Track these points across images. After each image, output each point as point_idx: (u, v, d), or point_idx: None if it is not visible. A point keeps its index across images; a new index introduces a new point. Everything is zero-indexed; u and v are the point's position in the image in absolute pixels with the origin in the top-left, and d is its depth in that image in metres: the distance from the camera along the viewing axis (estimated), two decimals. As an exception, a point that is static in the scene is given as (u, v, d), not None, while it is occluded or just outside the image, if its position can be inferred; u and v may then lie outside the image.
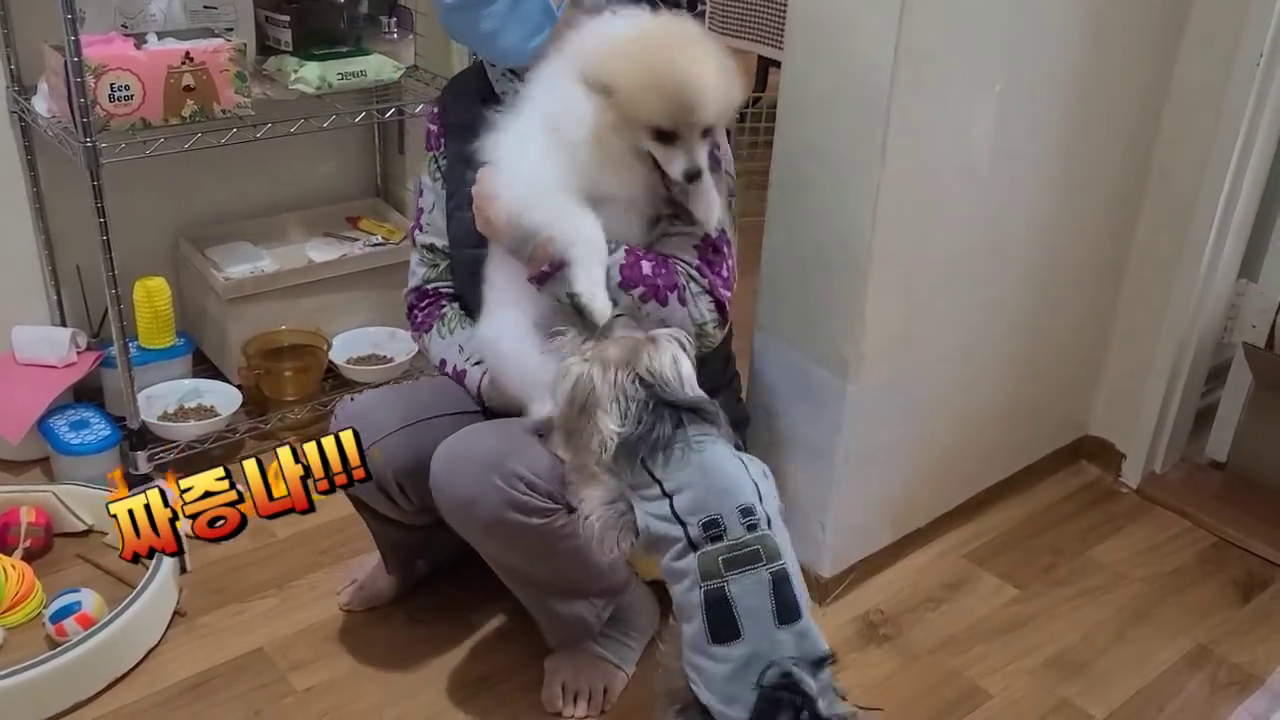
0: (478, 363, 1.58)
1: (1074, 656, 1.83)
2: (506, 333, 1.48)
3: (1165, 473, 2.31)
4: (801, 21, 1.67)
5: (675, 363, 1.34)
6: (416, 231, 1.68)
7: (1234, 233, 2.11)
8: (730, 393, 1.71)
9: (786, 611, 1.27)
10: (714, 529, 1.28)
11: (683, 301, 1.42)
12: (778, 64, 3.53)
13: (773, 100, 1.72)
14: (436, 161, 1.64)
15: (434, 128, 1.65)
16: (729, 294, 1.45)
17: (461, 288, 1.64)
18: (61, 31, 1.77)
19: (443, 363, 1.63)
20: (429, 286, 1.67)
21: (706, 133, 1.37)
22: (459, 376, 1.61)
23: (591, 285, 1.35)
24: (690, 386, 1.35)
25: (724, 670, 1.25)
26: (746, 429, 1.75)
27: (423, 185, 1.66)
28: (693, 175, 1.36)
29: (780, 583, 1.28)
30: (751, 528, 1.29)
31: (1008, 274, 1.95)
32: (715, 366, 1.65)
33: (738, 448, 1.66)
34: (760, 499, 1.32)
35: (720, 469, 1.32)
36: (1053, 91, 1.83)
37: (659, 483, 1.31)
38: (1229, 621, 1.93)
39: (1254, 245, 2.19)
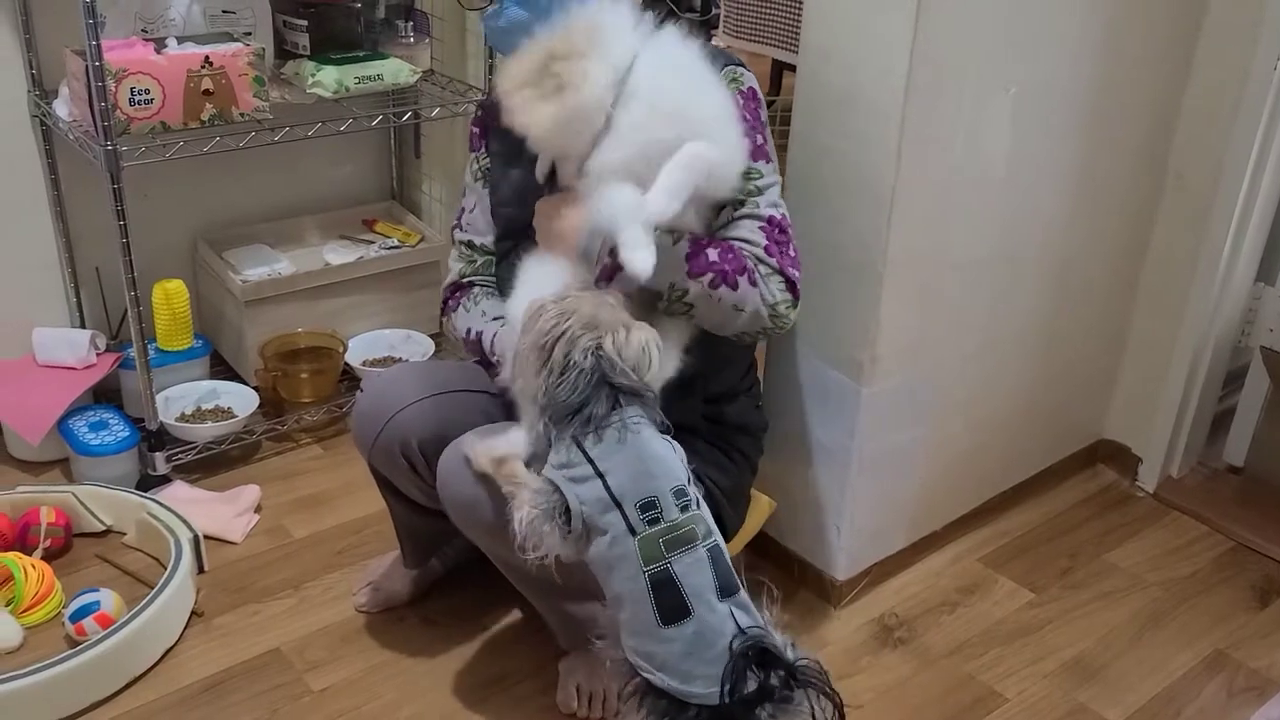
0: (496, 318, 1.59)
1: (1090, 661, 1.83)
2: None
3: (1182, 477, 2.30)
4: (816, 25, 1.67)
5: (645, 353, 1.32)
6: (456, 230, 1.70)
7: (1251, 236, 2.10)
8: (750, 398, 1.71)
9: (727, 585, 1.29)
10: (651, 511, 1.28)
11: (753, 283, 1.41)
12: (792, 68, 3.53)
13: (787, 104, 1.72)
14: (478, 162, 1.66)
15: (477, 129, 1.68)
16: (798, 273, 1.45)
17: (500, 278, 1.65)
18: (83, 36, 1.78)
19: (467, 331, 1.62)
20: (464, 280, 1.68)
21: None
22: (478, 339, 1.60)
23: (628, 244, 1.32)
24: (649, 378, 1.32)
25: (677, 649, 1.26)
26: (765, 434, 1.75)
27: (465, 186, 1.68)
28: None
29: (717, 558, 1.30)
30: (684, 508, 1.30)
31: (1023, 277, 1.95)
32: (737, 371, 1.66)
33: (739, 464, 1.67)
34: (688, 480, 1.33)
35: (652, 451, 1.31)
36: (1068, 94, 1.83)
37: (591, 461, 1.30)
38: (1246, 626, 1.92)
39: (1271, 249, 2.18)
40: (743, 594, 1.30)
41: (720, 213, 1.46)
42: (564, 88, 1.33)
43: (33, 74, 2.11)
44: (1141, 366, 2.25)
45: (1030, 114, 1.76)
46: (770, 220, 1.44)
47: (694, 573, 1.27)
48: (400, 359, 2.45)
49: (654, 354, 1.32)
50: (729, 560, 1.32)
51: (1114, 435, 2.34)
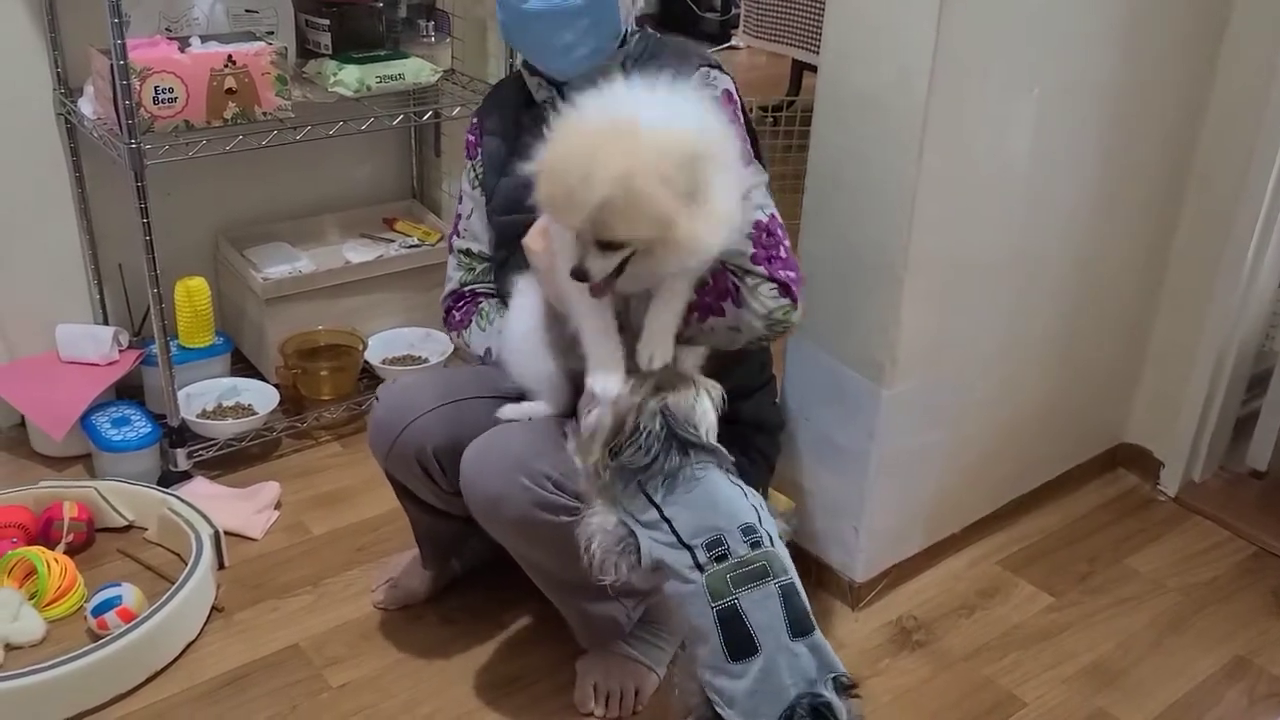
0: None
1: (1110, 666, 1.82)
2: (520, 340, 1.52)
3: (1204, 481, 2.28)
4: (838, 25, 1.66)
5: (703, 409, 1.37)
6: (454, 237, 1.70)
7: (1276, 239, 2.08)
8: (766, 395, 1.72)
9: (799, 623, 1.28)
10: (718, 548, 1.29)
11: (739, 304, 1.41)
12: (812, 68, 3.52)
13: (807, 104, 1.72)
14: (475, 170, 1.66)
15: (472, 138, 1.68)
16: (793, 274, 1.43)
17: (500, 287, 1.66)
18: (107, 35, 1.80)
19: (487, 351, 1.63)
20: (465, 289, 1.68)
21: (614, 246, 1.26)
22: (499, 359, 1.61)
23: (595, 364, 1.38)
24: (709, 436, 1.37)
25: (744, 686, 1.26)
26: (781, 432, 1.75)
27: (462, 192, 1.69)
28: (576, 274, 1.28)
29: (790, 596, 1.29)
30: (755, 545, 1.30)
31: (1044, 280, 1.94)
32: (750, 368, 1.66)
33: (756, 462, 1.67)
34: (759, 519, 1.33)
35: (718, 492, 1.34)
36: (1091, 96, 1.82)
37: (657, 507, 1.33)
38: (1269, 632, 1.90)
39: (1297, 252, 2.16)
40: (816, 634, 1.29)
41: None
42: (700, 204, 1.24)
43: (58, 72, 2.13)
44: (1164, 370, 2.24)
45: (1053, 114, 1.75)
46: (757, 225, 1.41)
47: (762, 609, 1.27)
48: (419, 357, 2.46)
49: (711, 410, 1.37)
50: (804, 600, 1.31)
51: (1135, 439, 2.33)
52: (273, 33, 2.25)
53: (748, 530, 1.31)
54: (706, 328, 1.42)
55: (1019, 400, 2.02)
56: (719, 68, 1.52)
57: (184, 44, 2.00)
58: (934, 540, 2.00)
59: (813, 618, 1.30)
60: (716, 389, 1.40)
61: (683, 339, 1.42)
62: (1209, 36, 1.98)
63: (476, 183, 1.66)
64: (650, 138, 1.21)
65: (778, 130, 3.42)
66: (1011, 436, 2.04)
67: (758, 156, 1.52)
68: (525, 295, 1.52)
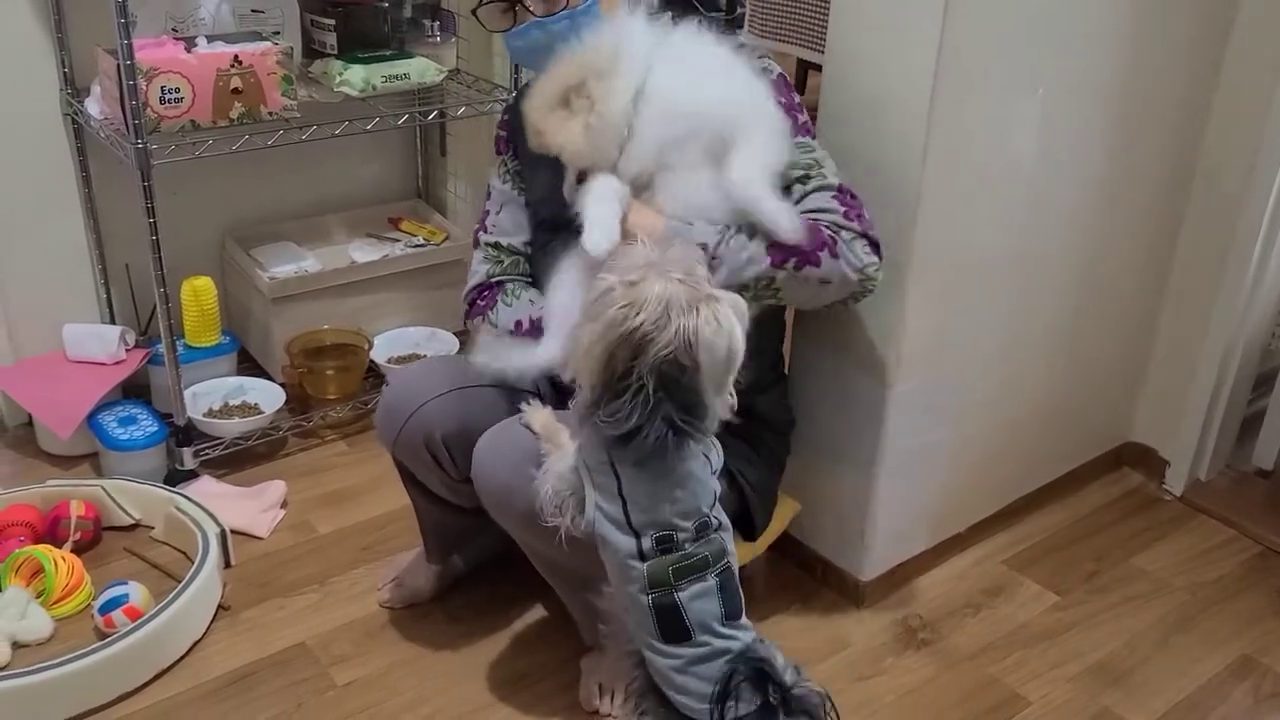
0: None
1: (1116, 664, 1.81)
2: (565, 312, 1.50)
3: (1210, 480, 2.28)
4: (843, 25, 1.66)
5: (724, 331, 1.20)
6: (481, 232, 1.70)
7: (1282, 237, 2.08)
8: (778, 393, 1.72)
9: (733, 611, 1.29)
10: (667, 544, 1.28)
11: (835, 255, 1.44)
12: (817, 67, 3.52)
13: (812, 103, 1.71)
14: (506, 165, 1.68)
15: (503, 134, 1.70)
16: (878, 234, 1.49)
17: (537, 274, 1.66)
18: (114, 35, 1.80)
19: (517, 324, 1.60)
20: (492, 280, 1.68)
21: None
22: (532, 325, 1.59)
23: (589, 221, 1.38)
24: (730, 355, 1.22)
25: (673, 664, 1.27)
26: (792, 431, 1.75)
27: (491, 188, 1.70)
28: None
29: (726, 583, 1.29)
30: (701, 534, 1.29)
31: (1049, 278, 1.94)
32: (766, 362, 1.66)
33: (767, 461, 1.68)
34: (715, 500, 1.31)
35: (687, 482, 1.28)
36: (1096, 95, 1.82)
37: (619, 483, 1.28)
38: (1275, 631, 1.90)
39: (1303, 250, 2.15)
40: (743, 617, 1.31)
41: (791, 191, 1.48)
42: (590, 107, 1.39)
43: (65, 72, 2.14)
44: (1169, 368, 2.23)
45: (1058, 114, 1.75)
46: (840, 188, 1.49)
47: (700, 601, 1.28)
48: (425, 356, 2.46)
49: (735, 331, 1.22)
50: (737, 583, 1.32)
51: (1141, 438, 2.32)
52: (278, 33, 2.26)
53: (701, 526, 1.29)
54: (801, 277, 1.43)
55: (1024, 399, 2.02)
56: (768, 58, 1.54)
57: (190, 44, 2.00)
58: (939, 539, 2.00)
59: (741, 605, 1.31)
60: (739, 306, 1.24)
61: (773, 289, 1.44)
62: (1214, 36, 1.98)
63: (507, 177, 1.67)
64: (557, 71, 1.42)
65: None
66: (1016, 435, 2.04)
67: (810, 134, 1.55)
68: (570, 271, 1.50)
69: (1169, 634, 1.89)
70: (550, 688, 1.72)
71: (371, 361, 2.39)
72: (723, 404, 1.27)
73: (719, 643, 1.27)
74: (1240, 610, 1.95)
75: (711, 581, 1.28)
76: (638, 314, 1.18)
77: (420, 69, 2.30)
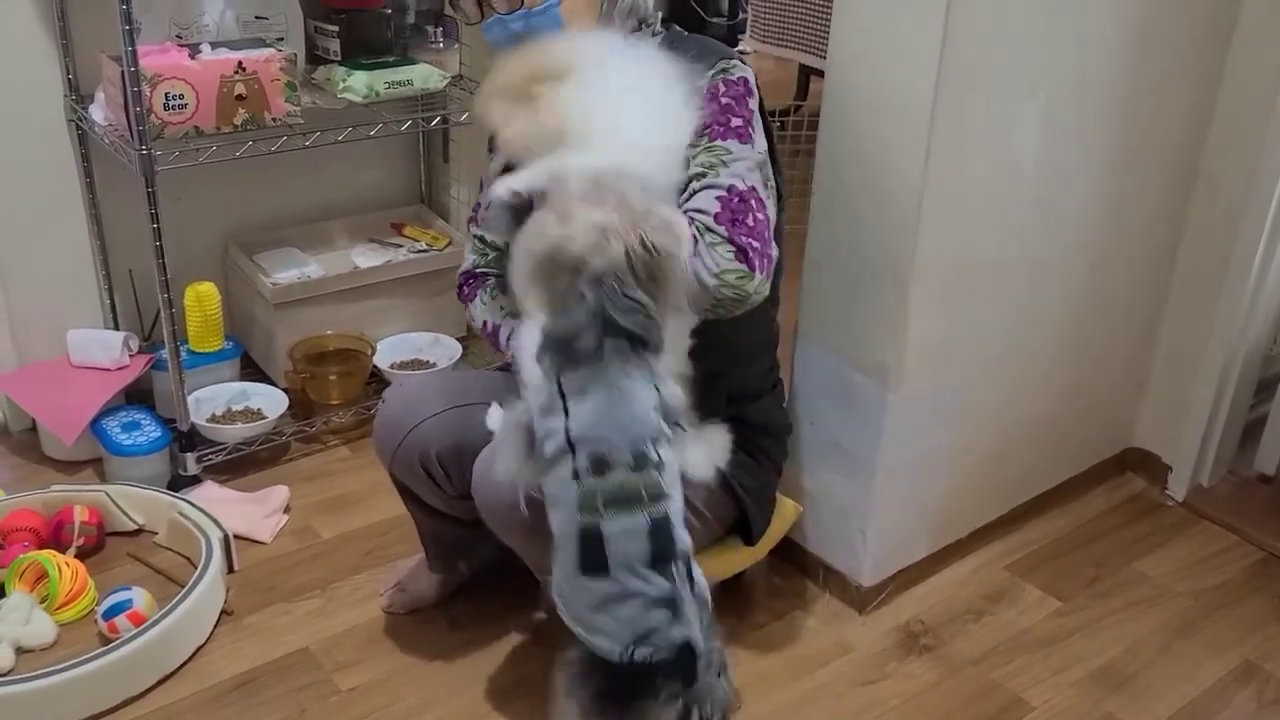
0: (512, 314, 1.63)
1: (1118, 670, 1.81)
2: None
3: (1212, 486, 2.28)
4: (845, 30, 1.67)
5: (664, 244, 1.23)
6: (471, 224, 1.74)
7: (1284, 243, 2.08)
8: (773, 398, 1.72)
9: (662, 554, 1.23)
10: (601, 464, 1.22)
11: (692, 253, 1.38)
12: (819, 72, 3.53)
13: (814, 108, 1.72)
14: (496, 160, 1.68)
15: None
16: (756, 243, 1.41)
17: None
18: (118, 41, 1.81)
19: (484, 324, 1.69)
20: (477, 270, 1.73)
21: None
22: (494, 332, 1.67)
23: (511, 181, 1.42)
24: (675, 268, 1.25)
25: (587, 599, 1.23)
26: (788, 436, 1.75)
27: (483, 179, 1.72)
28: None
29: (659, 527, 1.23)
30: (639, 467, 1.22)
31: (1051, 283, 1.94)
32: (757, 370, 1.66)
33: (763, 465, 1.67)
34: (660, 436, 1.25)
35: (627, 404, 1.23)
36: (1098, 99, 1.82)
37: (563, 397, 1.25)
38: (1277, 637, 1.90)
39: (1305, 255, 2.15)
40: (680, 563, 1.24)
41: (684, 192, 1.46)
42: (536, 108, 1.40)
43: (69, 79, 2.14)
44: (1171, 373, 2.23)
45: (1060, 117, 1.75)
46: (730, 189, 1.42)
47: (626, 539, 1.22)
48: (428, 362, 2.47)
49: (675, 240, 1.25)
50: (673, 530, 1.24)
51: (1143, 443, 2.32)
52: (282, 39, 2.26)
53: (639, 455, 1.22)
54: None
55: (1026, 404, 2.02)
56: (740, 60, 1.53)
57: (194, 50, 2.01)
58: (941, 544, 2.00)
59: (679, 546, 1.24)
60: (677, 220, 1.28)
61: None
62: (1217, 39, 1.98)
63: (499, 173, 1.68)
64: (518, 59, 1.43)
65: (785, 135, 3.43)
66: (1018, 440, 2.04)
67: (771, 148, 1.53)
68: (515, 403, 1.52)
69: (1172, 639, 1.89)
70: (551, 694, 1.72)
71: (374, 367, 2.39)
72: (681, 323, 1.30)
73: (637, 584, 1.22)
74: (1243, 616, 1.95)
75: (642, 519, 1.22)
76: (572, 239, 1.22)
77: (423, 75, 2.30)
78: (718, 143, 1.45)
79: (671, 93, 1.45)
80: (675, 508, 1.25)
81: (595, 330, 1.22)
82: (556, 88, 1.40)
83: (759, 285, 1.41)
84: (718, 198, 1.42)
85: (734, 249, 1.40)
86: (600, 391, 1.23)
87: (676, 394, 1.29)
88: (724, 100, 1.47)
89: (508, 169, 1.46)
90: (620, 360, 1.23)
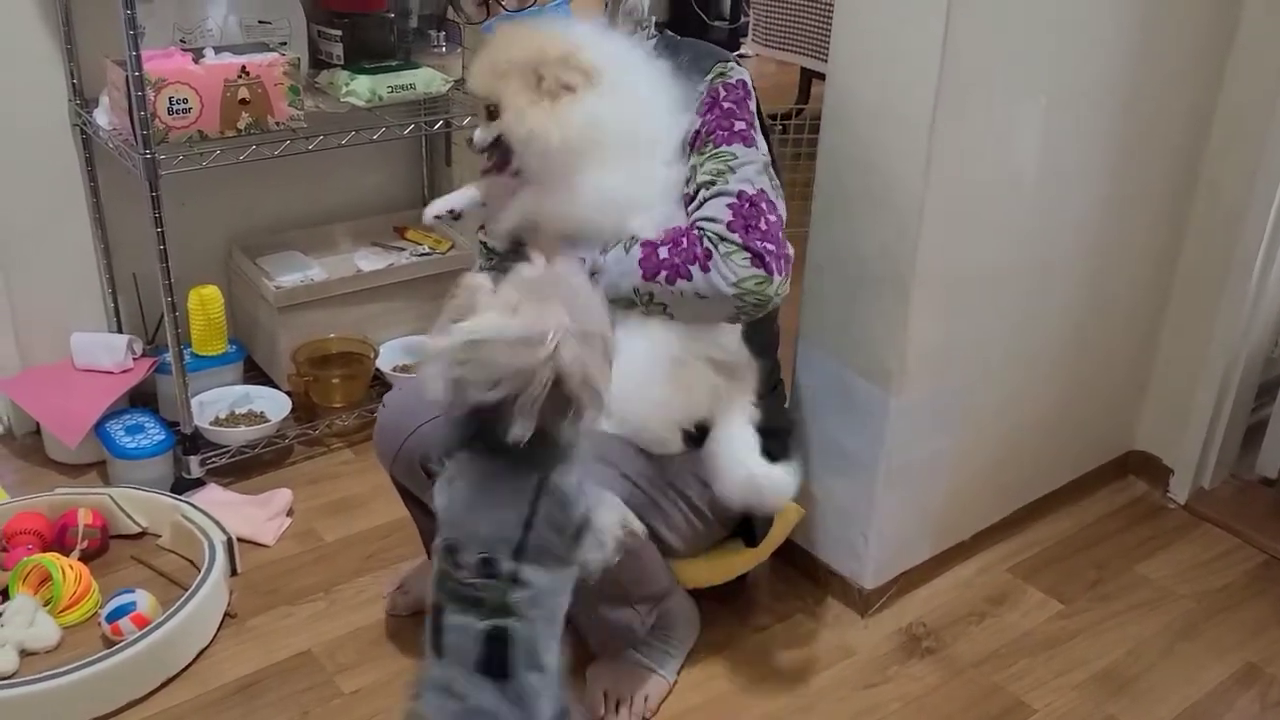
0: None
1: (1120, 673, 1.82)
2: None
3: (1214, 489, 2.28)
4: (846, 34, 1.67)
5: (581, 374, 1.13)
6: (480, 231, 1.73)
7: (1285, 246, 2.08)
8: (775, 400, 1.72)
9: (496, 667, 1.17)
10: (451, 556, 1.19)
11: (706, 269, 1.41)
12: (821, 76, 3.53)
13: (815, 112, 1.72)
14: None
15: None
16: (771, 246, 1.42)
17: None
18: (123, 46, 1.82)
19: None
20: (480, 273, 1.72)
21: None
22: None
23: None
24: (592, 398, 1.15)
25: (426, 670, 1.21)
26: (790, 438, 1.76)
27: (472, 139, 1.72)
28: (471, 143, 1.49)
29: (492, 641, 1.17)
30: (487, 574, 1.17)
31: (1053, 287, 1.94)
32: (761, 372, 1.66)
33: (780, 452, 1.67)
34: (522, 549, 1.17)
35: (488, 505, 1.18)
36: (1099, 104, 1.82)
37: (445, 471, 1.24)
38: (1279, 640, 1.90)
39: (1306, 259, 2.16)
40: (514, 682, 1.17)
41: (689, 205, 1.48)
42: (554, 95, 1.40)
43: (74, 83, 2.15)
44: (1173, 377, 2.24)
45: (1061, 123, 1.76)
46: (740, 195, 1.43)
47: (459, 635, 1.18)
48: (430, 365, 2.47)
49: (603, 388, 1.16)
50: (514, 650, 1.17)
51: (1145, 446, 2.32)
52: (285, 43, 2.27)
53: (486, 560, 1.17)
54: (675, 292, 1.42)
55: (1028, 407, 2.02)
56: (736, 63, 1.54)
57: (198, 55, 2.01)
58: (943, 547, 2.00)
59: (514, 668, 1.17)
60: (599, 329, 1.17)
61: (658, 303, 1.44)
62: (1218, 43, 1.98)
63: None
64: (545, 39, 1.40)
65: (786, 138, 3.43)
66: (1020, 444, 2.05)
67: (769, 148, 1.53)
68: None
69: (1174, 642, 1.89)
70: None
71: (377, 370, 2.40)
72: (578, 431, 1.19)
73: (461, 686, 1.17)
74: (1245, 619, 1.95)
75: (477, 627, 1.16)
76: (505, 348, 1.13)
77: (426, 79, 2.31)
78: (723, 148, 1.46)
79: (671, 98, 1.47)
80: (527, 629, 1.18)
81: (469, 436, 1.17)
82: (572, 77, 1.39)
83: (779, 287, 1.43)
84: (728, 205, 1.43)
85: (749, 255, 1.42)
86: (464, 485, 1.20)
87: (598, 518, 1.23)
88: (725, 105, 1.48)
89: (497, 143, 1.46)
90: (489, 467, 1.17)
